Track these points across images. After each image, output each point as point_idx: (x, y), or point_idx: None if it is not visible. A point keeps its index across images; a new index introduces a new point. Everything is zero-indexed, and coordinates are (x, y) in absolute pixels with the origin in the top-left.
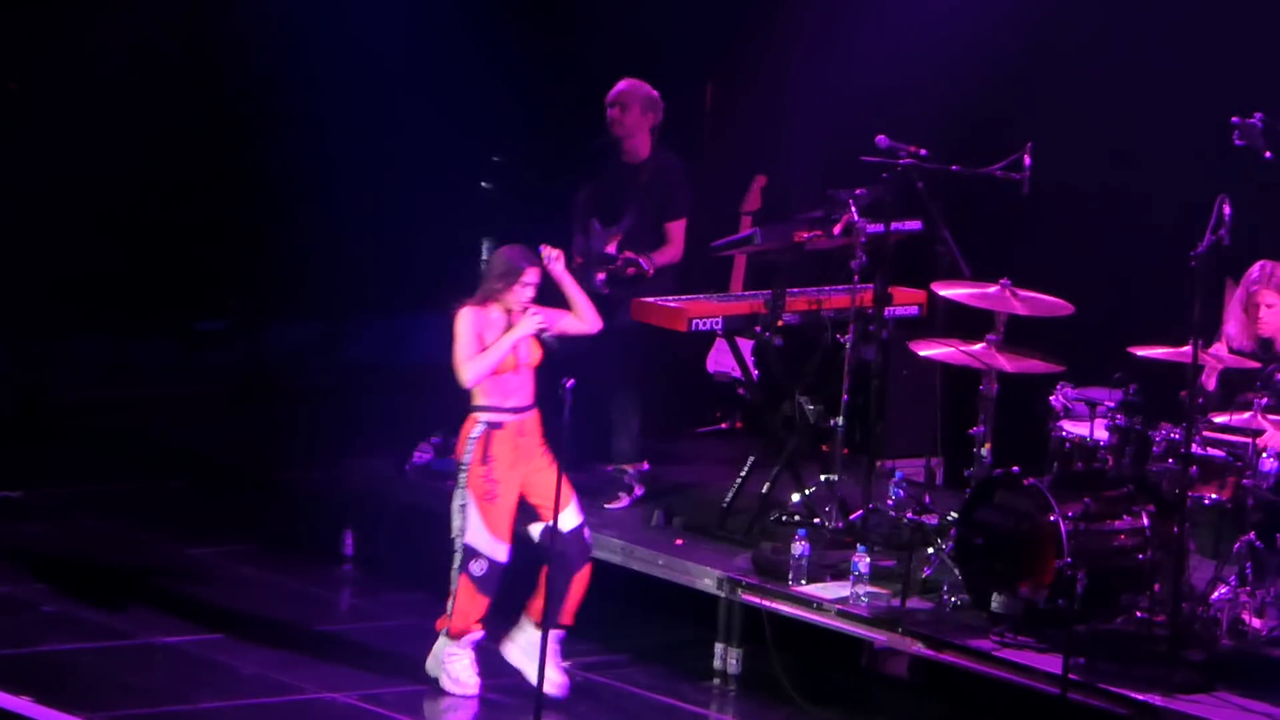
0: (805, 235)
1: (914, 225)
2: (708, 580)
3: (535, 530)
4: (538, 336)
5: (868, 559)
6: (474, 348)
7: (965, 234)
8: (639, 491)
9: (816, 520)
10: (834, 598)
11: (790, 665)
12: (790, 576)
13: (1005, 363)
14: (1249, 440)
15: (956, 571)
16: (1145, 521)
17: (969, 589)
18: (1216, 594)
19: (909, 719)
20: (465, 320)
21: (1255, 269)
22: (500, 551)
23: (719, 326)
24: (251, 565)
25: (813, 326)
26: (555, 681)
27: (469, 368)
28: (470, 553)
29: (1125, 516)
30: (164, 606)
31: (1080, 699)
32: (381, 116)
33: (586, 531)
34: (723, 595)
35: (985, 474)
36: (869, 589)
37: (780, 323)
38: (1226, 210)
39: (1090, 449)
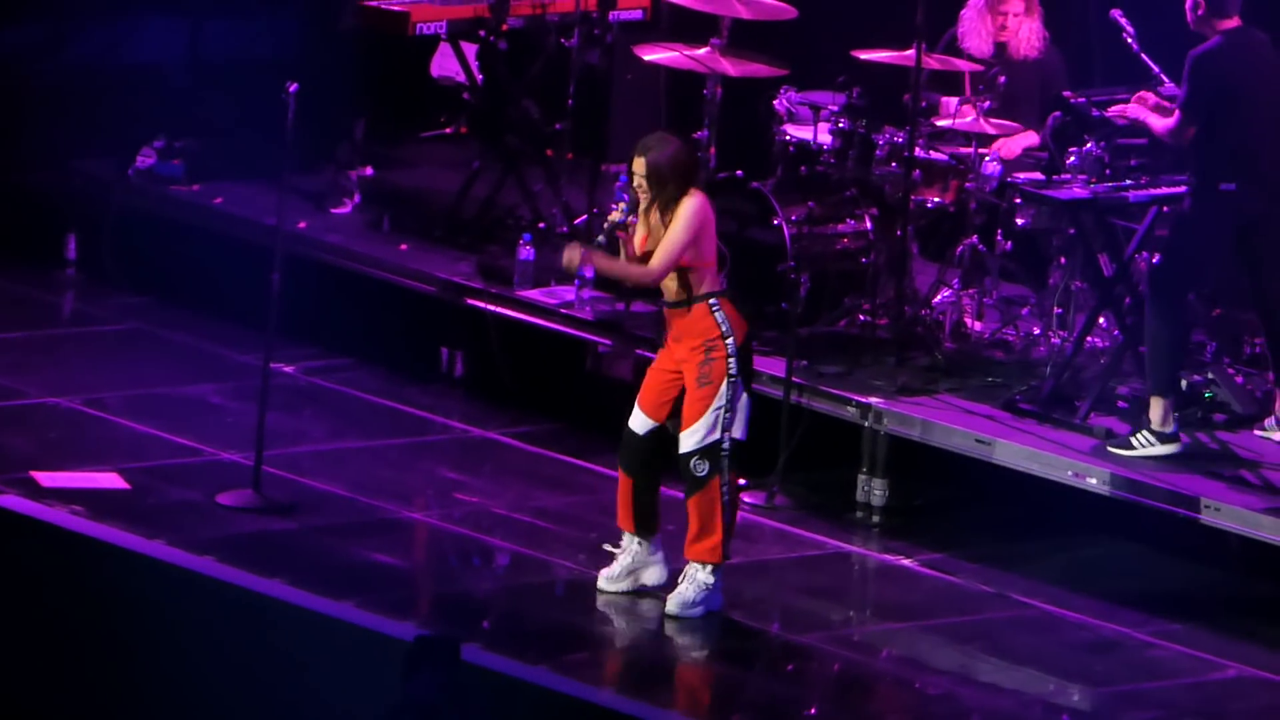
0: None
1: None
2: (431, 285)
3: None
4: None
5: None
6: None
7: None
8: (359, 197)
9: (541, 224)
10: (558, 302)
11: (513, 368)
12: (515, 280)
13: (729, 66)
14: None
15: None
16: (868, 225)
17: None
18: (939, 297)
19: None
20: None
21: None
22: (634, 418)
23: (443, 30)
24: None
25: (537, 30)
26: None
27: None
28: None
29: (848, 220)
30: None
31: (803, 402)
32: None
33: (694, 462)
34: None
35: (709, 178)
36: (593, 293)
37: (504, 26)
38: None
39: (814, 153)
